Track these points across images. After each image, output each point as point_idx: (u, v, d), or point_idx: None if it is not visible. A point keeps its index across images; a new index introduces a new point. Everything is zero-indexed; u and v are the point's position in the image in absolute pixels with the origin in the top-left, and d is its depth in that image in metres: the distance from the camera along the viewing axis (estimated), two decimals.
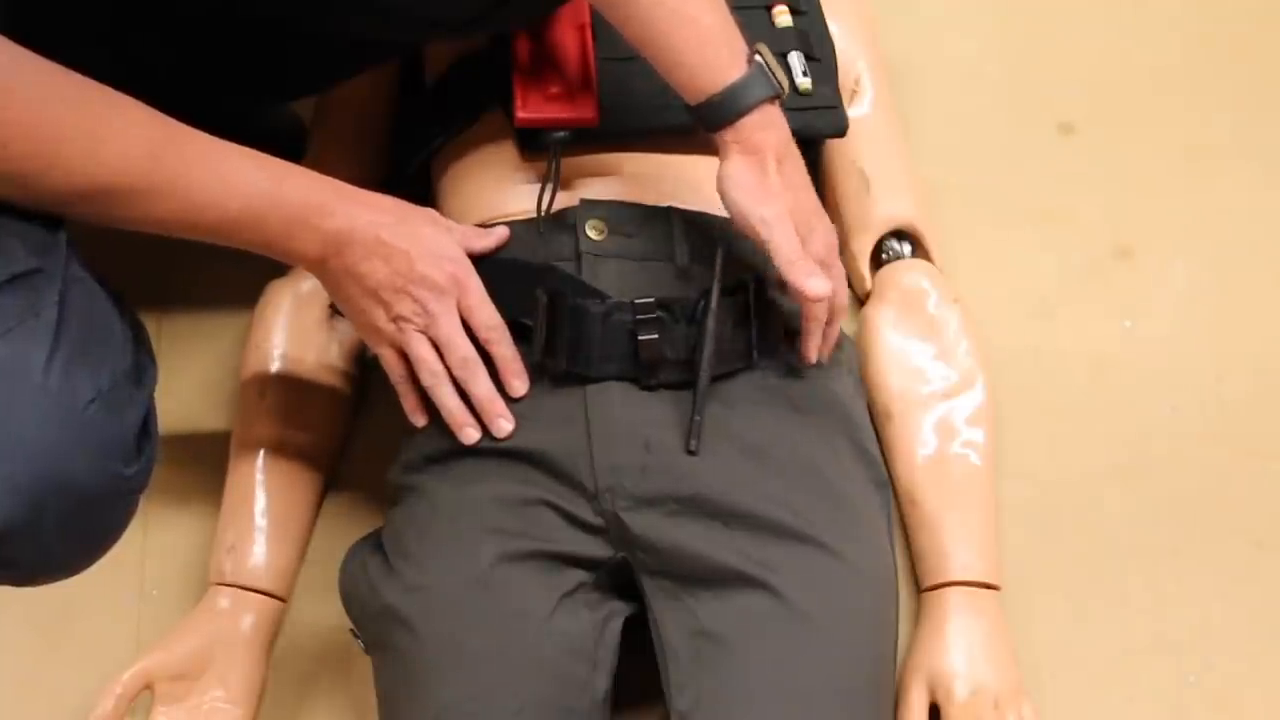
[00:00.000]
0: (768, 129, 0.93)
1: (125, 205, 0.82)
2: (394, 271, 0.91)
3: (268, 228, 0.87)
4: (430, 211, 0.95)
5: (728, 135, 0.93)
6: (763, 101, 0.92)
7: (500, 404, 0.95)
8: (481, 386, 0.94)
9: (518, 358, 0.95)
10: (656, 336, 0.95)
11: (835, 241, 0.98)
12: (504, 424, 0.95)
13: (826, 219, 0.97)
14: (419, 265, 0.91)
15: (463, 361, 0.94)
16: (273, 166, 0.87)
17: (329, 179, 0.90)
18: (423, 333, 0.93)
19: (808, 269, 0.91)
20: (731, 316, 0.97)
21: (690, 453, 0.94)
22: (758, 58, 0.93)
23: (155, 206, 0.83)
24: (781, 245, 0.91)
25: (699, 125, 0.94)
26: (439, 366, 0.94)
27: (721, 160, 0.94)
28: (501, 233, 0.99)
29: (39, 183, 0.78)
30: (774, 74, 0.93)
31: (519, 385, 0.96)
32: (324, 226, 0.89)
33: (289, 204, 0.87)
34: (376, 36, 1.01)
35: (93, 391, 0.77)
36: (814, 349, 0.98)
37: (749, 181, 0.92)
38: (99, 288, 0.83)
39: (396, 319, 0.93)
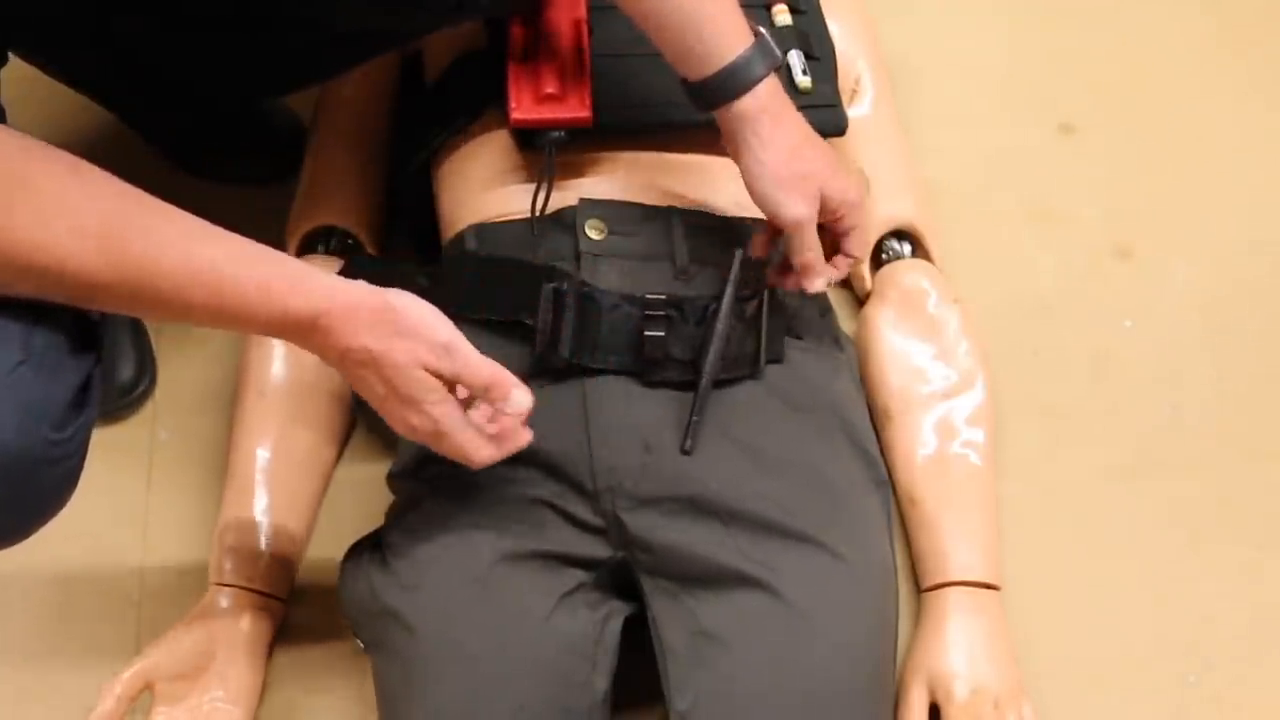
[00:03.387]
0: (779, 99, 0.93)
1: (85, 292, 0.76)
2: (371, 395, 0.84)
3: (243, 328, 0.81)
4: (420, 330, 0.81)
5: (751, 109, 0.91)
6: (770, 71, 0.92)
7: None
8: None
9: (522, 429, 0.88)
10: (663, 334, 0.95)
11: (860, 184, 0.97)
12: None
13: (832, 156, 0.96)
14: (391, 406, 0.84)
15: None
16: (251, 266, 0.78)
17: (319, 283, 0.80)
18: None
19: (816, 271, 0.95)
20: (741, 323, 0.97)
21: (685, 453, 0.94)
22: (760, 29, 0.93)
23: (112, 297, 0.77)
24: (802, 243, 0.94)
25: (703, 102, 0.93)
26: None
27: (742, 144, 0.92)
28: (524, 402, 0.86)
29: None
30: (773, 44, 0.93)
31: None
32: (304, 344, 0.82)
33: (260, 315, 0.79)
34: (369, 26, 1.00)
35: (21, 354, 0.76)
36: (820, 279, 0.97)
37: (776, 168, 0.92)
38: None
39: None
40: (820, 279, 0.96)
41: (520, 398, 0.85)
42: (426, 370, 0.82)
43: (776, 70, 0.93)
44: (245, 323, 0.79)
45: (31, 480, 0.79)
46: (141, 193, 0.76)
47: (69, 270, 0.73)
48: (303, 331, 0.80)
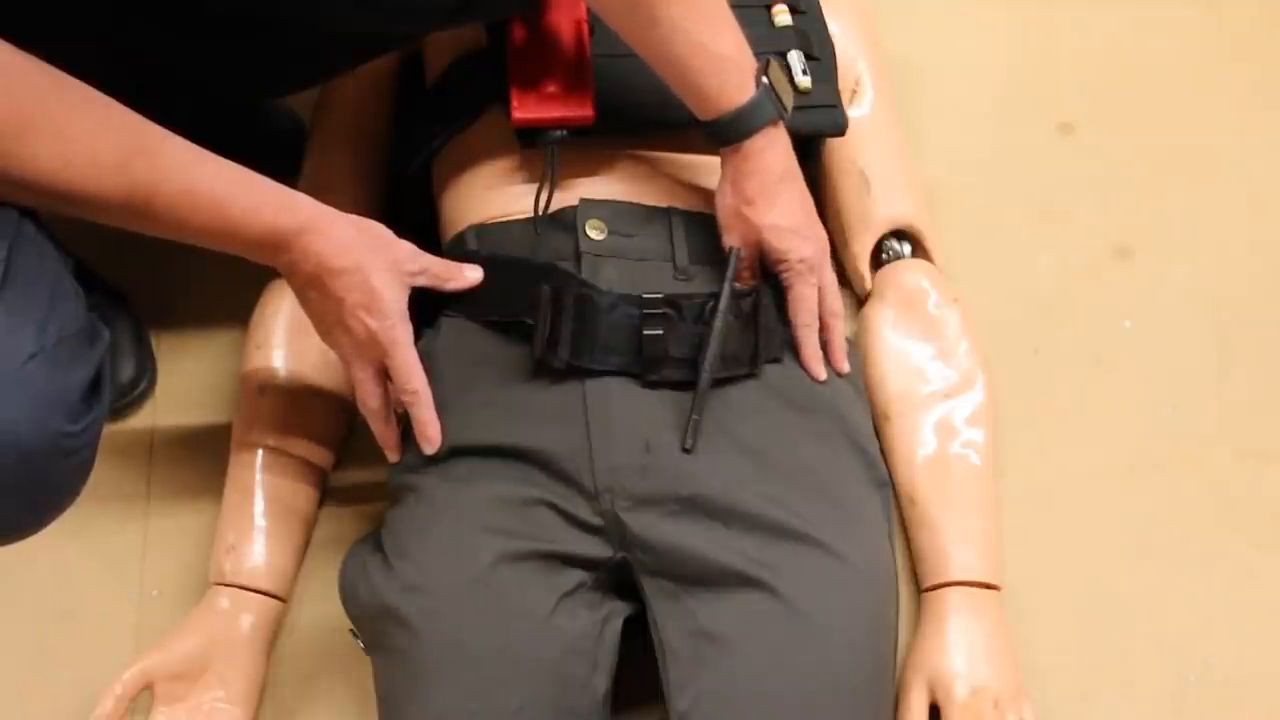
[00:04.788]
0: (769, 149, 0.97)
1: (91, 212, 0.82)
2: (326, 311, 0.93)
3: (229, 247, 0.88)
4: (395, 252, 0.93)
5: (732, 154, 0.97)
6: (766, 124, 0.96)
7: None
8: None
9: (434, 420, 0.96)
10: (661, 333, 0.95)
11: (825, 256, 1.02)
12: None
13: (819, 232, 1.02)
14: (346, 317, 0.92)
15: (372, 413, 0.98)
16: (246, 189, 0.87)
17: (306, 202, 0.90)
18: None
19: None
20: (739, 321, 0.97)
21: (686, 451, 0.94)
22: (765, 80, 0.96)
23: (117, 217, 0.83)
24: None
25: (708, 139, 0.98)
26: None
27: (722, 173, 0.99)
28: (475, 275, 0.99)
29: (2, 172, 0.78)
30: (779, 96, 0.97)
31: (429, 447, 0.97)
32: (277, 259, 0.90)
33: (250, 232, 0.87)
34: (369, 30, 1.01)
35: (35, 347, 0.77)
36: (815, 363, 1.02)
37: (727, 206, 0.99)
38: (52, 250, 0.84)
39: (336, 348, 0.96)
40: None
41: (473, 275, 0.98)
42: (402, 277, 0.92)
43: (783, 122, 0.98)
44: (236, 239, 0.87)
45: (47, 473, 0.79)
46: (147, 122, 0.83)
47: (81, 193, 0.80)
48: (289, 245, 0.88)
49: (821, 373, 1.02)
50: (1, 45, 0.77)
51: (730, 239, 1.00)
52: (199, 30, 0.98)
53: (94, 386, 0.83)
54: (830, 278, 1.03)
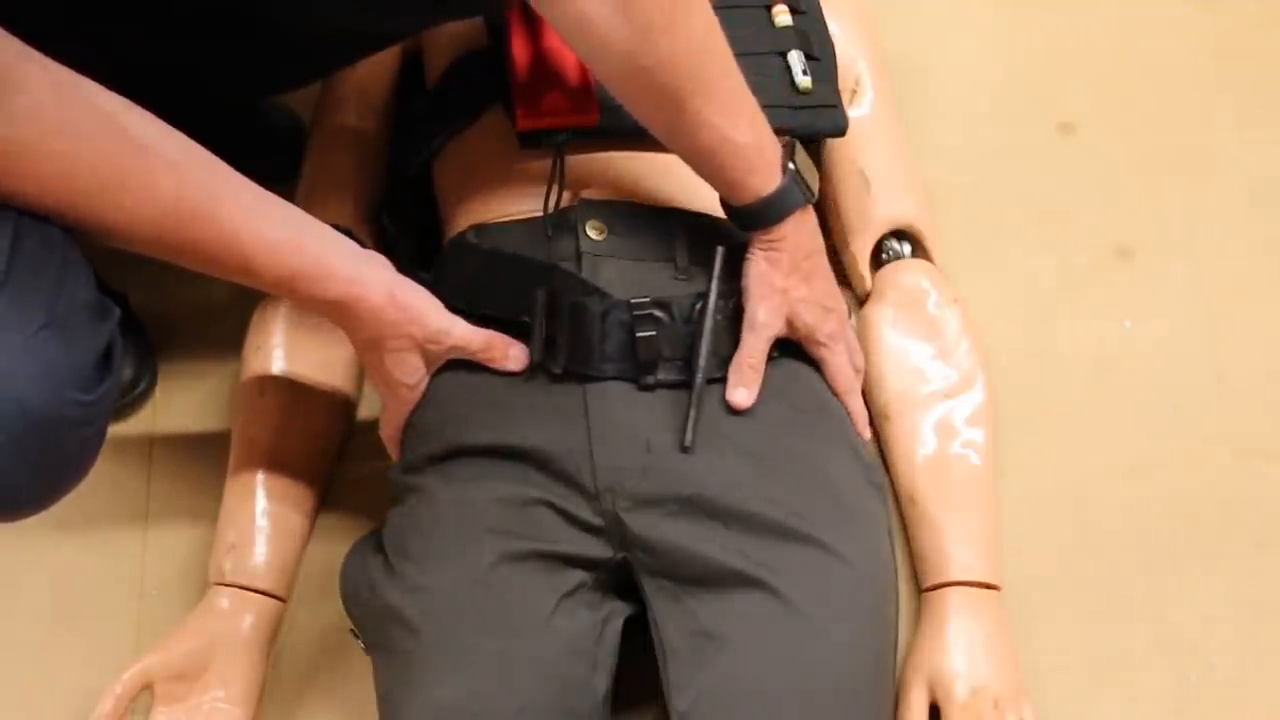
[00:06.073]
0: (797, 232, 0.97)
1: (138, 251, 0.85)
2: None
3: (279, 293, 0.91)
4: (423, 327, 0.94)
5: (759, 236, 0.97)
6: (794, 210, 0.96)
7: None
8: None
9: (395, 450, 1.04)
10: (654, 334, 0.95)
11: (846, 326, 1.04)
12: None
13: (841, 306, 1.03)
14: (368, 370, 1.00)
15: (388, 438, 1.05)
16: (285, 255, 0.87)
17: (341, 274, 0.90)
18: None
19: (741, 378, 0.97)
20: (730, 319, 0.97)
21: (685, 449, 0.94)
22: (791, 165, 0.96)
23: (163, 256, 0.86)
24: (745, 347, 0.97)
25: (736, 224, 0.99)
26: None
27: (749, 250, 0.98)
28: (519, 358, 0.98)
29: (53, 215, 0.81)
30: (804, 179, 0.97)
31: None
32: (322, 315, 0.93)
33: (298, 296, 0.90)
34: (351, 27, 1.00)
35: (45, 317, 0.77)
36: (864, 425, 1.06)
37: (763, 277, 0.97)
38: (58, 231, 0.84)
39: None
40: (739, 391, 0.97)
41: (518, 355, 0.97)
42: (422, 349, 0.95)
43: (811, 206, 0.98)
44: (276, 293, 0.91)
45: (59, 442, 0.79)
46: (212, 173, 0.85)
47: (133, 239, 0.83)
48: (320, 312, 0.92)
49: (868, 434, 1.06)
50: (99, 98, 0.79)
51: (756, 309, 0.98)
52: (180, 33, 0.98)
53: (106, 360, 0.83)
54: (853, 340, 1.06)
